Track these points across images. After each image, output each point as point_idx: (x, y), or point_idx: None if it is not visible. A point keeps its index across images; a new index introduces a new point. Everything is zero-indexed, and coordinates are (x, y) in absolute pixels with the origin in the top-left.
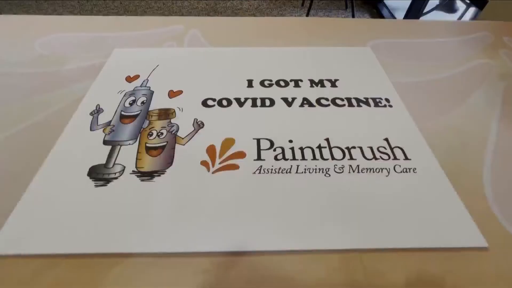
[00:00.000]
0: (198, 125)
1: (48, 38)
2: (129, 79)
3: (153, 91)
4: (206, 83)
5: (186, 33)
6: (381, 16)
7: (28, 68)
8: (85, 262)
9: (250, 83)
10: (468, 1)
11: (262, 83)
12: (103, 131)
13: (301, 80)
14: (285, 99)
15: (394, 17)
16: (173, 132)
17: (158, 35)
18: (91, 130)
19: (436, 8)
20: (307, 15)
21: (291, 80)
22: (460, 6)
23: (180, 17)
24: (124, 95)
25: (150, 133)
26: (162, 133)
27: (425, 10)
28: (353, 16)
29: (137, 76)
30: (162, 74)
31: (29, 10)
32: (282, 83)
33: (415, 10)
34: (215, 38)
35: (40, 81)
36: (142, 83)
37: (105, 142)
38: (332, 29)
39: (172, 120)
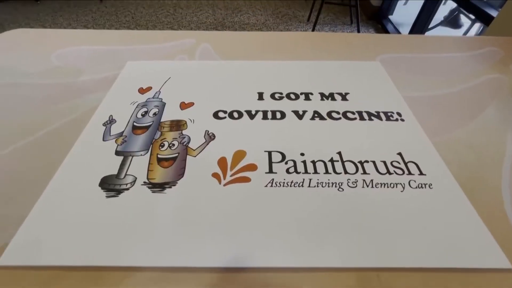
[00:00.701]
0: (210, 136)
1: (64, 50)
2: (142, 91)
3: (165, 103)
4: (217, 95)
5: (198, 46)
6: (386, 31)
7: (45, 79)
8: (94, 274)
9: (260, 96)
10: (473, 17)
11: (272, 96)
12: (116, 142)
13: (311, 93)
14: (296, 112)
15: (399, 33)
16: (184, 143)
17: (170, 48)
18: (103, 140)
19: (441, 23)
20: (313, 30)
21: (301, 93)
22: (465, 21)
23: (191, 31)
24: (136, 106)
25: (162, 144)
26: (173, 144)
27: (430, 26)
28: (358, 31)
29: (149, 88)
30: (174, 86)
31: (45, 24)
32: (292, 96)
33: (420, 26)
34: (225, 52)
35: (55, 92)
36: (155, 95)
37: (117, 153)
38: (340, 44)
39: (184, 132)
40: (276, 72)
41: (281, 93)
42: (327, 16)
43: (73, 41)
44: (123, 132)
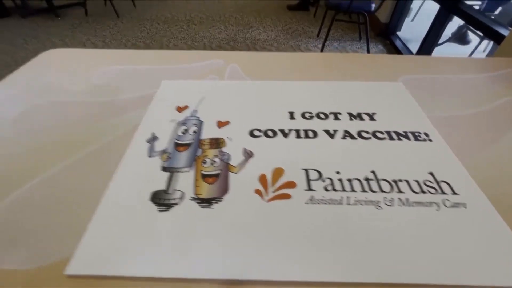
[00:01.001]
0: (248, 154)
1: (101, 70)
2: (179, 109)
3: (203, 121)
4: (250, 114)
5: (226, 66)
6: (394, 47)
7: (85, 97)
8: (153, 285)
9: (291, 115)
10: (482, 35)
11: (303, 115)
12: (161, 158)
13: (340, 113)
14: (327, 131)
15: (407, 48)
16: (225, 160)
17: (201, 68)
18: (149, 156)
19: (449, 40)
20: (323, 45)
21: (330, 113)
22: (473, 38)
23: (220, 51)
24: (176, 124)
25: (204, 161)
26: (215, 161)
27: (438, 42)
28: (367, 47)
29: (186, 107)
30: (209, 105)
31: (65, 39)
32: (322, 116)
33: (430, 42)
34: (253, 72)
35: (97, 110)
36: (192, 113)
37: (164, 169)
38: (362, 64)
39: (223, 149)
40: (304, 92)
41: (310, 113)
42: (336, 32)
43: (108, 61)
44: (167, 149)
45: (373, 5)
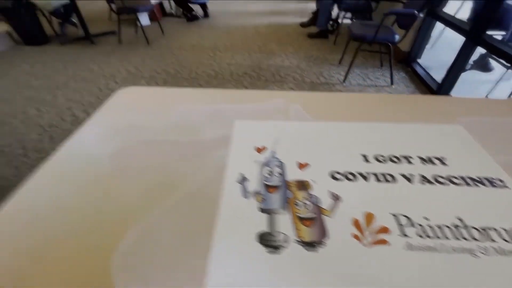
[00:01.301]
0: (336, 197)
1: (177, 109)
2: (259, 150)
3: (283, 162)
4: (326, 156)
5: (289, 106)
6: (416, 74)
7: (168, 136)
8: None
9: (365, 158)
10: (509, 65)
11: (376, 158)
12: (255, 199)
13: (411, 157)
14: (404, 176)
15: (430, 76)
16: (316, 203)
17: (266, 108)
18: (244, 197)
19: (471, 68)
20: (346, 74)
21: (401, 156)
22: (495, 65)
23: (280, 91)
24: (260, 165)
25: (296, 203)
26: (306, 203)
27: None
28: (391, 76)
29: (264, 148)
30: (285, 146)
31: (101, 65)
32: (394, 159)
33: (456, 70)
34: (314, 112)
35: (182, 150)
36: (272, 154)
37: (262, 210)
38: (418, 106)
39: (310, 191)
40: (371, 134)
41: (383, 156)
42: (357, 59)
43: (180, 99)
44: (259, 190)
45: (397, 36)
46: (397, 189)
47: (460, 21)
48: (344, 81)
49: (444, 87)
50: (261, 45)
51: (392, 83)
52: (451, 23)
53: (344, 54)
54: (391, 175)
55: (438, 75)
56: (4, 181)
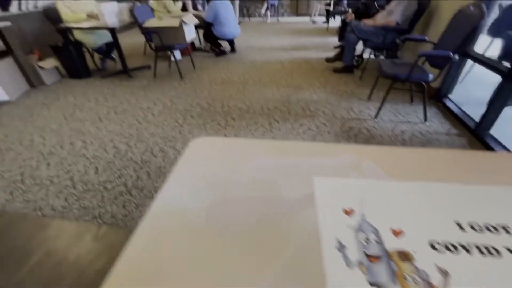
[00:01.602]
0: (445, 273)
1: (254, 162)
2: (347, 213)
3: (377, 229)
4: (419, 222)
5: (362, 162)
6: (449, 110)
7: (251, 192)
8: None
9: (460, 226)
10: None
11: (472, 226)
12: (360, 269)
13: (509, 227)
14: (508, 249)
15: (464, 112)
16: (426, 279)
17: (339, 163)
18: (348, 266)
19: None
20: (379, 110)
21: (498, 225)
22: None
23: (349, 145)
24: (354, 231)
25: (405, 277)
26: (415, 278)
27: None
28: (425, 114)
29: (352, 210)
30: (373, 209)
31: (138, 98)
32: (491, 229)
33: (495, 108)
34: (387, 168)
35: (267, 208)
36: (362, 218)
37: (371, 284)
38: (498, 165)
39: (414, 263)
40: (457, 196)
41: (478, 225)
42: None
43: (251, 151)
44: (361, 260)
45: (431, 76)
46: (506, 266)
47: (493, 60)
48: (376, 116)
49: (482, 125)
50: (288, 79)
51: (425, 119)
52: (484, 62)
53: (374, 89)
54: (496, 249)
55: (471, 111)
56: (53, 212)
